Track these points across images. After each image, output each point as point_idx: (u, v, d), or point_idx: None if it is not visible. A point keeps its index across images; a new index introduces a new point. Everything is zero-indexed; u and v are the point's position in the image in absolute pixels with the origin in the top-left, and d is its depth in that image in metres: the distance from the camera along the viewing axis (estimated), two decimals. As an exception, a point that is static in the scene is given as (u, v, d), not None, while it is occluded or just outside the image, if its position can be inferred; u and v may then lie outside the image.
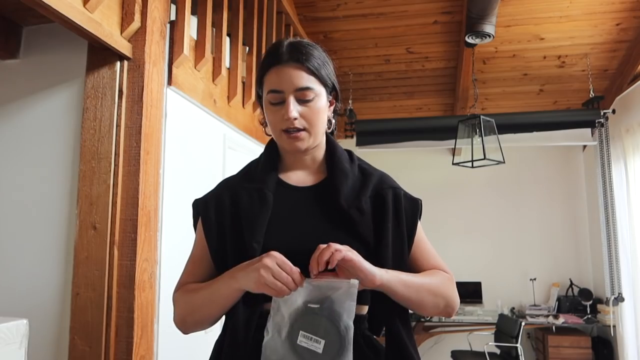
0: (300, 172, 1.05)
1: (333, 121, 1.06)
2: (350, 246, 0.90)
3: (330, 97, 1.04)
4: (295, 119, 0.95)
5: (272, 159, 1.06)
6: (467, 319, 4.79)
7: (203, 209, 1.02)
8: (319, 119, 0.98)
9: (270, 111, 0.99)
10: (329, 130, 1.06)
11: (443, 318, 4.80)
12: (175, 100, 2.09)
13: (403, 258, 0.98)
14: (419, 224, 1.04)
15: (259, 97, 1.05)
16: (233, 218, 0.98)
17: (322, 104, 0.99)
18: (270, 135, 1.06)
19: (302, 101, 0.96)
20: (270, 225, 0.95)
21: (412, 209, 1.02)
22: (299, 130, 0.96)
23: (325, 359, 0.81)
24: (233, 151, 2.67)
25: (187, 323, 0.99)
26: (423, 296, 0.95)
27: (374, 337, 0.98)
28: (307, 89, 0.96)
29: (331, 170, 1.03)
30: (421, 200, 1.07)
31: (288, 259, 0.86)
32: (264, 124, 1.07)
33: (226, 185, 1.05)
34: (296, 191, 1.02)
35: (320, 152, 1.06)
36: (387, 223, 0.97)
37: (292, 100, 0.95)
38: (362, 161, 1.08)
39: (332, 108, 1.06)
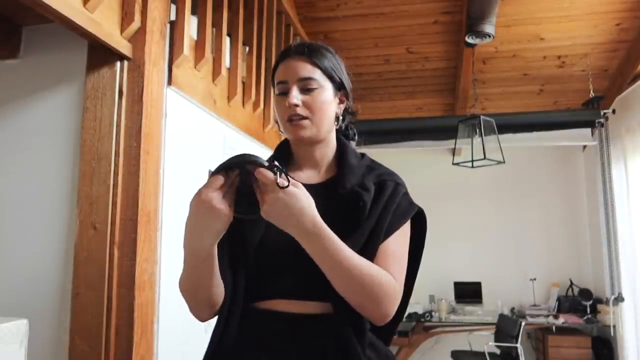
0: (310, 171, 1.06)
1: (341, 117, 1.07)
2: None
3: (339, 94, 1.07)
4: (297, 105, 0.98)
5: (281, 155, 1.09)
6: (467, 319, 4.80)
7: None
8: (322, 109, 1.00)
9: (277, 102, 1.03)
10: (337, 127, 1.08)
11: (443, 318, 4.81)
12: (175, 100, 2.09)
13: (370, 249, 0.93)
14: (403, 230, 0.98)
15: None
16: None
17: (326, 97, 1.01)
18: (283, 133, 1.08)
19: (305, 90, 0.99)
20: None
21: (404, 210, 0.99)
22: (301, 118, 0.99)
23: None
24: (233, 151, 2.67)
25: (198, 306, 0.96)
26: (346, 280, 0.86)
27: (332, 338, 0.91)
28: (310, 79, 1.00)
29: (339, 168, 1.04)
30: (422, 210, 1.03)
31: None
32: (277, 121, 1.09)
33: None
34: None
35: (329, 151, 1.07)
36: (377, 209, 0.95)
37: (294, 88, 0.99)
38: (375, 163, 1.08)
39: (342, 106, 1.08)
